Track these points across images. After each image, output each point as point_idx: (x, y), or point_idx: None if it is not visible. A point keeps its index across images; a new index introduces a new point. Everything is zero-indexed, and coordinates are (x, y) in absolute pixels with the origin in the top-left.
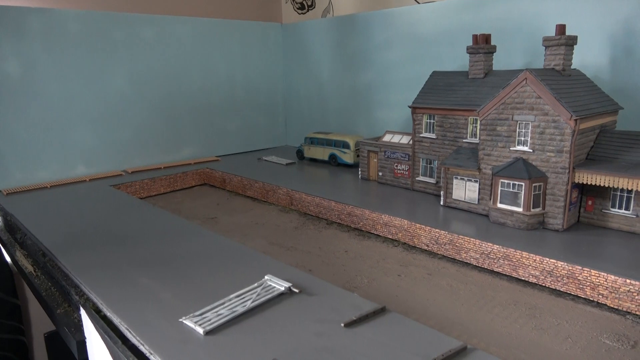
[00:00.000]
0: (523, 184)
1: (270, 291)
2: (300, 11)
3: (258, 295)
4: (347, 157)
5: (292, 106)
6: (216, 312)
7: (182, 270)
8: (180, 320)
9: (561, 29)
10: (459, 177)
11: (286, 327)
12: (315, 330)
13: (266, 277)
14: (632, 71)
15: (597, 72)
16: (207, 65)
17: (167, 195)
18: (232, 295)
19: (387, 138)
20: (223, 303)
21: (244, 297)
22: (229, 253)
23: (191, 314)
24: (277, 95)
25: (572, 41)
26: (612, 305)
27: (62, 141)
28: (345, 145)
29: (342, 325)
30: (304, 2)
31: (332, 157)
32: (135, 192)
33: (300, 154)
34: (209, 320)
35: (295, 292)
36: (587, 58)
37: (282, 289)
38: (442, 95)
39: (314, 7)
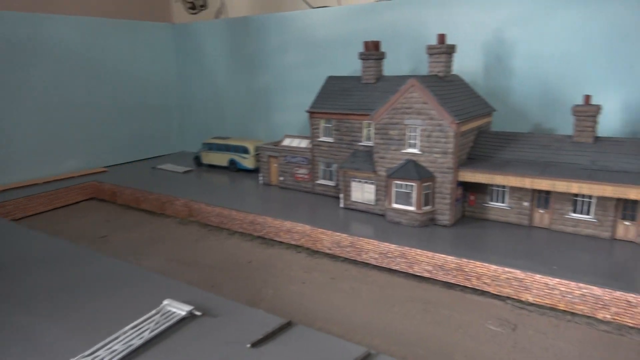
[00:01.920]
0: (414, 184)
1: (170, 318)
2: (191, 11)
3: (157, 323)
4: (247, 162)
5: (188, 110)
6: (109, 348)
7: (69, 302)
8: None
9: (441, 38)
10: (356, 179)
11: (189, 355)
12: (220, 354)
13: (165, 302)
14: (502, 76)
15: (474, 77)
16: (92, 68)
17: (48, 214)
18: (127, 327)
19: (287, 142)
20: (117, 337)
21: (141, 328)
22: (123, 277)
23: (80, 355)
24: (170, 99)
25: (451, 49)
26: (494, 292)
27: None
28: (245, 150)
29: (249, 345)
30: (195, 2)
31: (232, 162)
32: (8, 214)
33: (198, 160)
34: (102, 359)
35: (197, 315)
36: (465, 64)
37: (183, 313)
38: (338, 99)
39: (207, 8)
